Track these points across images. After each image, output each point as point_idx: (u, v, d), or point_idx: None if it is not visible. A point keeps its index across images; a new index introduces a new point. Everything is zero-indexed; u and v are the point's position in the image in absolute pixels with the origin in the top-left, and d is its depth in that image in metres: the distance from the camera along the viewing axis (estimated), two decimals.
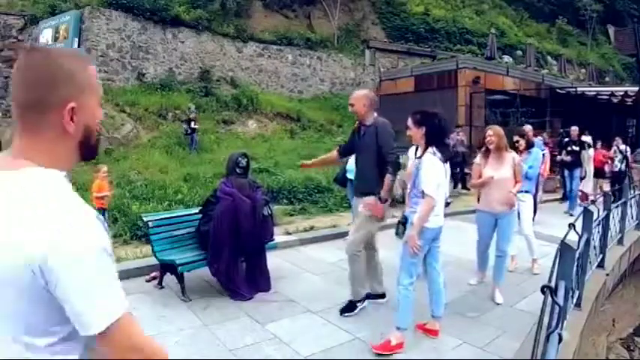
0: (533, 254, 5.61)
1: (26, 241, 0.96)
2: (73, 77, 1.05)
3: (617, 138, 12.73)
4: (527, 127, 9.35)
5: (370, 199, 4.05)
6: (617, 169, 12.02)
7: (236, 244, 4.51)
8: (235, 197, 4.52)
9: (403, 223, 3.80)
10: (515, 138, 5.88)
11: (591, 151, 11.11)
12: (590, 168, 11.49)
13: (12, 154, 1.05)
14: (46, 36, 14.59)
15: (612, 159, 12.15)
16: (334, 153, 4.66)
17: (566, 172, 10.43)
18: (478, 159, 4.80)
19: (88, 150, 1.18)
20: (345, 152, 4.59)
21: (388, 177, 4.02)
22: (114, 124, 11.37)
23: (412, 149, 5.01)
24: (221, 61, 16.09)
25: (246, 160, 4.89)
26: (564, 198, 11.41)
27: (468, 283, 4.99)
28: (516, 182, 4.61)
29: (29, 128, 1.05)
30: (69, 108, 1.05)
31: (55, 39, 14.19)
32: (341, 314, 4.10)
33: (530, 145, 5.90)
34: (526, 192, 5.56)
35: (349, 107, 4.36)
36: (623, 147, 12.31)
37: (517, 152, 5.70)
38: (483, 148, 4.74)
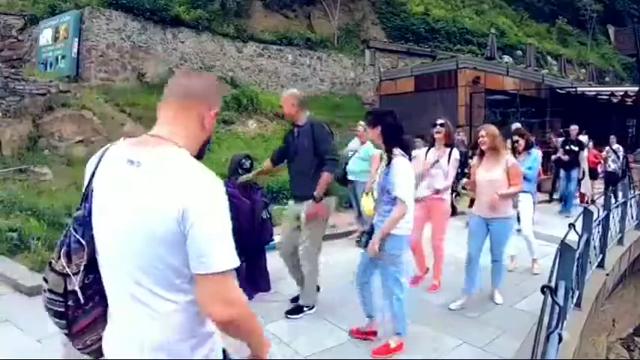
0: (533, 254, 5.57)
1: (174, 199, 1.21)
2: (218, 93, 1.49)
3: (611, 137, 12.33)
4: (516, 125, 9.29)
5: (310, 207, 3.90)
6: (610, 170, 11.66)
7: (236, 245, 4.51)
8: (236, 198, 4.53)
9: (368, 232, 3.54)
10: (515, 137, 5.78)
11: (585, 151, 10.90)
12: (586, 168, 11.25)
13: (156, 136, 1.36)
14: (46, 36, 14.57)
15: (605, 159, 11.82)
16: (268, 162, 4.45)
17: (562, 173, 10.12)
18: (474, 160, 4.71)
19: (203, 149, 1.49)
20: (279, 159, 4.35)
21: (325, 174, 3.88)
22: (114, 124, 11.36)
23: (422, 151, 5.00)
24: (221, 61, 16.09)
25: (249, 161, 4.92)
26: (551, 199, 11.21)
27: (448, 307, 4.43)
28: (510, 185, 4.33)
29: (181, 121, 1.39)
30: (213, 113, 1.45)
31: (55, 39, 14.18)
32: (286, 315, 4.09)
33: (529, 146, 5.78)
34: (525, 192, 5.47)
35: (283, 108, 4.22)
36: (616, 146, 12.00)
37: (516, 153, 5.61)
38: (478, 149, 4.58)
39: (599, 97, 18.21)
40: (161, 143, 1.33)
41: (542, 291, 2.23)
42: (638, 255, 7.08)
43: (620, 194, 6.70)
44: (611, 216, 5.61)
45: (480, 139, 4.43)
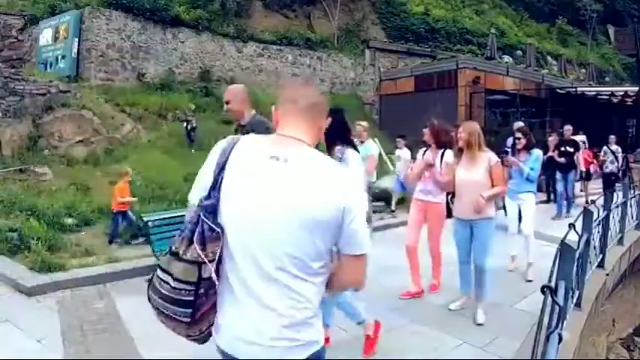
0: (530, 257, 5.40)
1: (335, 193, 1.40)
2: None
3: (610, 137, 11.84)
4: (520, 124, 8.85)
5: None
6: (608, 171, 11.18)
7: None
8: None
9: None
10: (517, 135, 5.62)
11: (581, 152, 10.39)
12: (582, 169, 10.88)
13: (289, 137, 1.50)
14: (46, 36, 14.58)
15: (603, 160, 11.33)
16: None
17: (558, 175, 9.61)
18: (452, 158, 4.47)
19: None
20: None
21: None
22: (114, 124, 11.36)
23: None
24: (221, 61, 16.09)
25: None
26: (549, 199, 10.69)
27: (448, 308, 4.40)
28: (493, 185, 4.08)
29: (306, 128, 1.54)
30: (328, 121, 1.67)
31: (55, 39, 14.18)
32: None
33: (531, 146, 5.56)
34: (529, 192, 5.42)
35: (225, 105, 3.66)
36: (614, 147, 11.45)
37: (516, 151, 5.54)
38: (456, 147, 4.36)
39: (599, 97, 18.22)
40: (300, 144, 1.50)
41: (542, 291, 2.23)
42: (638, 255, 7.08)
43: (616, 196, 6.55)
44: (611, 216, 5.60)
45: (458, 135, 4.25)
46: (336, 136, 3.33)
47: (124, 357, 3.47)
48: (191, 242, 1.42)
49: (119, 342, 3.69)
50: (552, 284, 2.48)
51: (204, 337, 1.60)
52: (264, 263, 1.41)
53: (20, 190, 7.44)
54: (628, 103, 17.92)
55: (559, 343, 1.84)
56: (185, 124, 12.32)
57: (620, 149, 11.67)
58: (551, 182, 10.61)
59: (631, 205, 7.05)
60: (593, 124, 14.05)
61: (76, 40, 13.72)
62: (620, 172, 11.21)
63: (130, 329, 3.84)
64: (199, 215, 1.44)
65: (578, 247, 3.50)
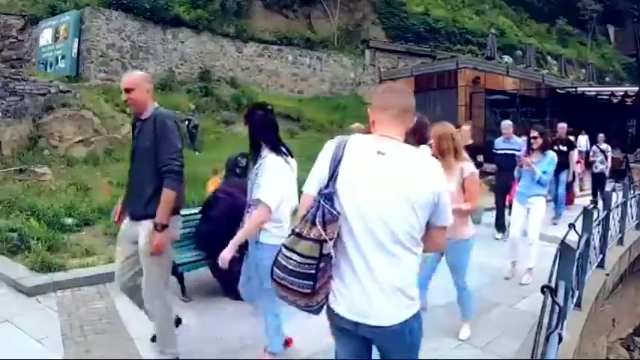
0: (530, 262, 5.15)
1: (431, 180, 1.79)
2: None
3: (599, 135, 11.36)
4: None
5: (151, 237, 2.96)
6: (597, 171, 10.69)
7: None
8: (234, 196, 4.51)
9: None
10: (533, 134, 5.27)
11: (576, 152, 9.77)
12: (576, 170, 10.29)
13: (387, 136, 1.84)
14: (46, 36, 14.58)
15: (593, 160, 10.82)
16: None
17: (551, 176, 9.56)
18: None
19: None
20: None
21: (166, 192, 2.90)
22: (114, 124, 11.35)
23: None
24: (221, 61, 16.09)
25: (245, 160, 4.82)
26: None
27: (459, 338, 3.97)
28: (465, 200, 3.52)
29: (399, 128, 1.87)
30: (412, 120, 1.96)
31: (55, 39, 14.18)
32: None
33: (546, 147, 5.26)
34: (538, 196, 5.17)
35: (124, 95, 3.08)
36: (604, 146, 10.95)
37: (530, 151, 5.27)
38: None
39: (599, 97, 18.22)
40: (396, 142, 1.85)
41: (542, 291, 2.23)
42: (638, 255, 7.08)
43: (616, 196, 6.47)
44: (611, 216, 5.60)
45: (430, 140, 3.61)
46: (260, 135, 3.05)
47: (124, 357, 3.47)
48: (314, 224, 1.73)
49: (119, 342, 3.68)
50: (552, 284, 2.48)
51: (319, 308, 1.88)
52: (383, 239, 1.76)
53: (20, 190, 7.43)
54: (628, 103, 17.92)
55: (559, 343, 1.84)
56: (186, 122, 12.26)
57: (609, 148, 11.20)
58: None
59: (631, 205, 7.05)
60: (593, 124, 14.05)
61: (76, 40, 13.73)
62: (609, 172, 10.84)
63: (130, 329, 3.84)
64: (319, 202, 1.76)
65: (578, 247, 3.49)
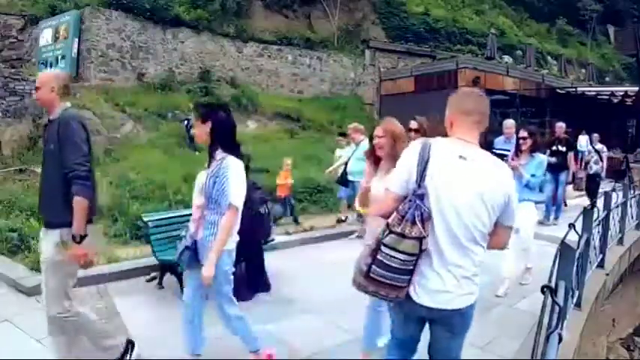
0: (528, 262, 5.07)
1: (504, 183, 2.04)
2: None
3: (593, 135, 10.93)
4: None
5: (53, 238, 2.80)
6: (592, 172, 10.11)
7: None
8: None
9: (191, 247, 2.97)
10: (522, 134, 4.97)
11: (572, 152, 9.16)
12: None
13: (464, 140, 2.08)
14: (46, 36, 14.58)
15: (587, 160, 10.37)
16: None
17: (548, 176, 8.20)
18: (366, 167, 3.15)
19: None
20: None
21: (77, 200, 2.71)
22: (114, 124, 11.36)
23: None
24: (221, 61, 16.09)
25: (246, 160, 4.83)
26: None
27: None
28: None
29: (478, 132, 2.11)
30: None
31: (55, 39, 14.18)
32: None
33: (535, 148, 4.92)
34: (527, 201, 4.72)
35: (35, 92, 3.01)
36: (599, 146, 10.52)
37: (519, 152, 4.97)
38: (371, 155, 3.09)
39: (599, 97, 18.22)
40: (474, 146, 2.07)
41: (542, 291, 2.23)
42: (638, 255, 7.08)
43: (616, 196, 6.41)
44: (611, 216, 5.60)
45: (376, 140, 2.96)
46: (221, 137, 2.94)
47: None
48: (414, 223, 1.92)
49: (119, 342, 3.68)
50: (552, 284, 2.48)
51: (403, 298, 2.06)
52: (459, 235, 2.00)
53: (20, 190, 7.43)
54: (628, 103, 17.92)
55: (559, 343, 1.84)
56: (185, 122, 12.26)
57: (605, 148, 10.75)
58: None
59: (631, 205, 7.05)
60: (593, 124, 14.04)
61: (76, 40, 13.72)
62: (605, 173, 10.43)
63: (130, 329, 3.84)
64: (416, 201, 1.95)
65: (578, 247, 3.49)
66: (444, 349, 2.23)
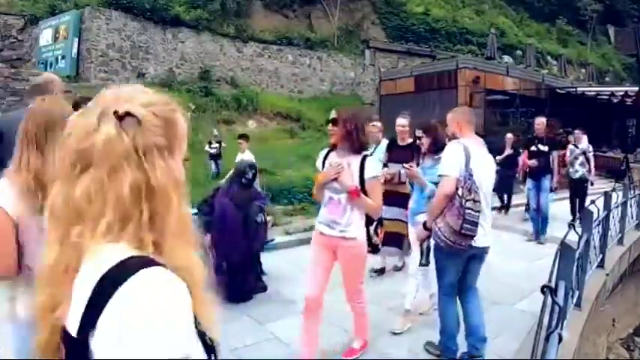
0: (431, 287, 3.94)
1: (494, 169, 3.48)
2: None
3: (576, 132, 8.75)
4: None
5: None
6: (576, 176, 8.24)
7: (221, 255, 4.40)
8: (226, 211, 4.36)
9: None
10: (418, 133, 4.07)
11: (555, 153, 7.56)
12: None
13: (474, 138, 3.28)
14: (45, 36, 14.59)
15: (570, 163, 8.40)
16: None
17: (529, 182, 7.37)
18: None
19: None
20: None
21: None
22: None
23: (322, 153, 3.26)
24: (221, 61, 16.10)
25: (253, 171, 4.63)
26: (502, 206, 9.21)
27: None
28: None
29: (474, 131, 3.40)
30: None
31: (55, 39, 14.19)
32: None
33: (438, 147, 3.68)
34: (421, 213, 3.69)
35: None
36: (585, 145, 8.42)
37: (422, 156, 4.00)
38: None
39: (599, 97, 18.21)
40: (482, 145, 3.28)
41: (542, 291, 2.23)
42: (638, 255, 7.07)
43: (616, 196, 6.34)
44: (611, 216, 5.60)
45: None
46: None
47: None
48: (476, 192, 2.96)
49: None
50: (552, 284, 2.48)
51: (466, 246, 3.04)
52: (488, 200, 3.21)
53: None
54: (628, 103, 17.90)
55: (559, 343, 1.84)
56: (209, 146, 11.16)
57: (591, 148, 8.64)
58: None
59: (631, 205, 7.04)
60: (593, 124, 14.04)
61: (76, 40, 13.74)
62: (592, 176, 8.48)
63: None
64: (471, 179, 2.97)
65: (578, 247, 3.49)
66: (474, 274, 3.31)
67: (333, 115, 3.08)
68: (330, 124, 3.08)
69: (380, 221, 3.28)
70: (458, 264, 3.17)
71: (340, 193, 3.03)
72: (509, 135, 9.58)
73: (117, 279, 0.76)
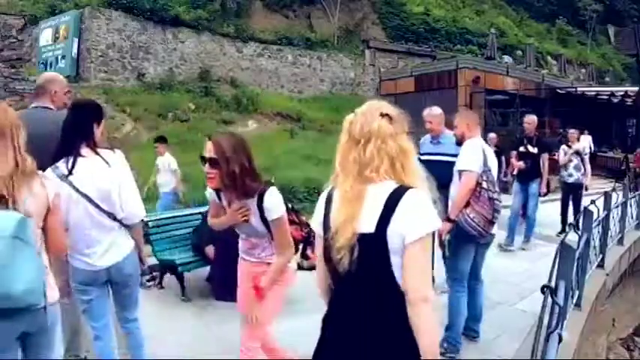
0: None
1: None
2: None
3: (570, 131, 8.00)
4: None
5: None
6: (570, 180, 7.53)
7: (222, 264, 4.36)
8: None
9: None
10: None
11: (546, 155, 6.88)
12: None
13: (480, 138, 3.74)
14: (46, 36, 14.58)
15: (563, 165, 7.67)
16: None
17: (516, 186, 6.89)
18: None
19: None
20: None
21: None
22: (114, 124, 11.37)
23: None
24: (221, 61, 16.09)
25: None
26: None
27: None
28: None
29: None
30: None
31: (55, 39, 14.18)
32: None
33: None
34: None
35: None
36: (579, 146, 7.71)
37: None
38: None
39: (599, 97, 18.22)
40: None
41: (542, 291, 2.23)
42: (638, 255, 7.07)
43: (616, 196, 6.26)
44: (611, 216, 5.60)
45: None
46: (74, 136, 2.49)
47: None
48: (494, 184, 3.34)
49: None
50: (552, 284, 2.48)
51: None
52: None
53: None
54: (628, 103, 17.91)
55: (559, 343, 1.84)
56: None
57: (587, 149, 8.16)
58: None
59: (631, 205, 7.05)
60: (594, 125, 14.04)
61: (76, 40, 13.72)
62: (587, 180, 7.74)
63: None
64: (490, 173, 3.37)
65: (578, 247, 3.50)
66: (482, 260, 3.63)
67: (209, 151, 2.32)
68: (207, 166, 2.32)
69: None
70: (472, 251, 3.47)
71: (255, 237, 2.53)
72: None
73: (399, 194, 1.50)
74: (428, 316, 1.44)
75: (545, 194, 7.08)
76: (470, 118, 3.72)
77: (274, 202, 2.37)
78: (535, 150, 6.70)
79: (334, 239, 1.51)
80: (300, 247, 2.67)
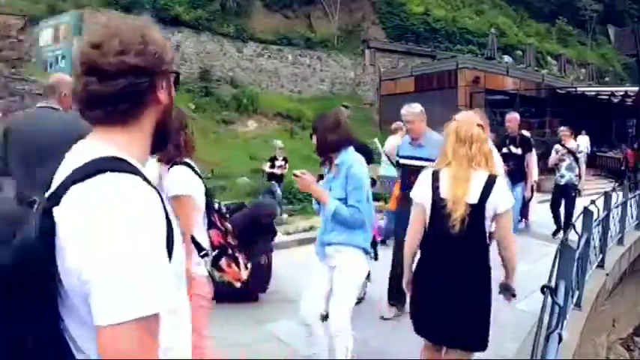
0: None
1: None
2: None
3: (561, 128, 7.42)
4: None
5: None
6: (562, 182, 6.98)
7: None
8: (255, 216, 3.75)
9: None
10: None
11: (534, 154, 6.56)
12: (535, 176, 6.69)
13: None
14: (45, 36, 14.59)
15: (556, 165, 7.16)
16: None
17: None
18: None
19: None
20: None
21: None
22: None
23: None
24: (221, 61, 16.09)
25: (271, 219, 3.89)
26: None
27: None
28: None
29: None
30: None
31: (55, 39, 14.19)
32: None
33: (338, 146, 2.83)
34: (343, 245, 2.81)
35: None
36: (574, 144, 7.20)
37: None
38: None
39: (599, 97, 18.22)
40: None
41: (542, 291, 2.23)
42: (638, 255, 7.08)
43: (616, 196, 6.15)
44: (611, 216, 5.60)
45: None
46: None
47: None
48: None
49: None
50: (552, 284, 2.48)
51: None
52: None
53: None
54: (628, 103, 17.91)
55: (559, 343, 1.84)
56: (270, 165, 9.15)
57: (581, 147, 7.69)
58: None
59: (631, 205, 7.05)
60: (594, 125, 14.04)
61: (77, 40, 13.73)
62: (581, 183, 7.14)
63: None
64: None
65: (578, 247, 3.50)
66: None
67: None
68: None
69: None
70: None
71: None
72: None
73: (493, 180, 2.30)
74: (511, 252, 2.41)
75: (530, 199, 6.64)
76: (483, 118, 3.16)
77: (176, 178, 2.25)
78: (519, 151, 6.30)
79: (452, 207, 2.22)
80: (213, 253, 2.31)
